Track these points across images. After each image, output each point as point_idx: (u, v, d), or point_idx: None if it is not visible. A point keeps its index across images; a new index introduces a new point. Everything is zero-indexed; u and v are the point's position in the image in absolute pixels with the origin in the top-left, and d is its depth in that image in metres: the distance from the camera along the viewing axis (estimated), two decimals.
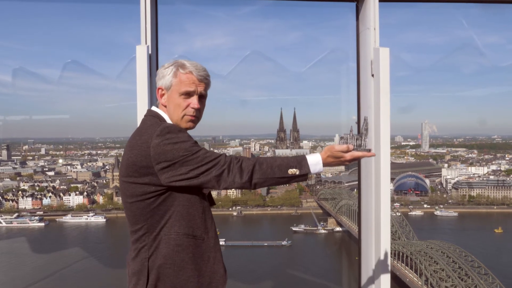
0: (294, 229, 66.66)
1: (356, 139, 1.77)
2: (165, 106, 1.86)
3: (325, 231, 66.83)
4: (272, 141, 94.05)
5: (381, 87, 2.86)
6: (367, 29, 3.00)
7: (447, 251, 44.48)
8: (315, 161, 1.73)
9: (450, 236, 61.03)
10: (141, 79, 2.73)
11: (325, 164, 1.75)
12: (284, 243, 60.49)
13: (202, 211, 1.80)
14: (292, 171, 1.69)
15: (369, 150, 1.78)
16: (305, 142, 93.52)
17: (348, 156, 1.74)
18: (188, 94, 1.82)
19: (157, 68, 2.85)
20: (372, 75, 2.95)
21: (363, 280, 3.19)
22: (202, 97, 1.87)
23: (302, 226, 67.73)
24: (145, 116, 1.87)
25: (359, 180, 3.24)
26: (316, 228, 67.78)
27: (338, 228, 66.75)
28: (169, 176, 1.67)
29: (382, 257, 2.96)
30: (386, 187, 2.94)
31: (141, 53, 2.74)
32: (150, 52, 2.77)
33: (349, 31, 3.24)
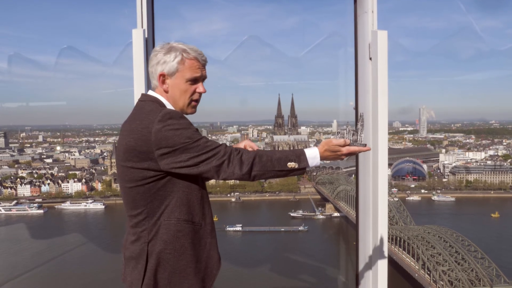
0: (292, 214, 67.03)
1: (352, 134, 1.81)
2: (166, 92, 1.83)
3: (323, 217, 67.24)
4: (270, 127, 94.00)
5: (379, 70, 2.84)
6: (365, 12, 2.97)
7: (444, 235, 44.84)
8: (313, 155, 1.76)
9: (447, 221, 61.50)
10: (138, 63, 2.70)
11: (322, 158, 1.78)
12: (301, 228, 61.10)
13: (201, 198, 1.81)
14: (291, 164, 1.72)
15: (365, 145, 1.82)
16: (303, 128, 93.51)
17: (344, 150, 1.78)
18: (195, 80, 1.83)
19: None
20: (370, 58, 2.92)
21: (361, 264, 3.21)
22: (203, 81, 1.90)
23: (300, 212, 68.09)
24: (141, 100, 1.84)
25: (356, 165, 3.23)
26: (314, 213, 68.17)
27: (336, 214, 67.15)
28: (169, 163, 1.67)
29: (379, 242, 2.97)
30: (384, 172, 2.94)
31: (138, 36, 2.70)
32: (146, 36, 2.74)
33: (347, 16, 3.21)
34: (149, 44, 2.79)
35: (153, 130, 1.65)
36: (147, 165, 1.68)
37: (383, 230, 2.97)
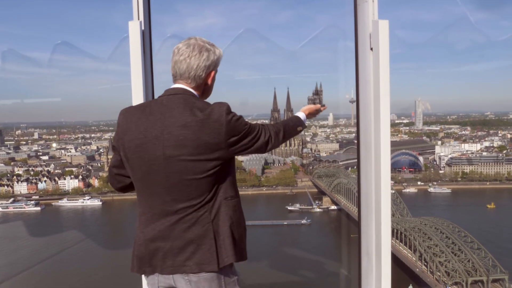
0: (289, 208, 67.13)
1: (318, 99, 2.57)
2: (209, 86, 2.13)
3: (320, 210, 67.38)
4: (266, 121, 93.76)
5: (381, 60, 2.80)
6: (365, 1, 2.93)
7: (441, 227, 45.13)
8: (303, 118, 2.40)
9: (444, 212, 61.80)
10: (135, 56, 2.65)
11: (307, 118, 2.46)
12: (303, 221, 61.34)
13: (235, 176, 2.12)
14: (299, 128, 2.32)
15: (323, 105, 2.58)
16: None
17: (318, 112, 2.55)
18: None
19: (150, 45, 2.77)
20: (371, 49, 2.89)
21: (363, 258, 3.19)
22: None
23: (298, 205, 68.20)
24: (178, 94, 2.01)
25: (358, 158, 3.20)
26: (311, 207, 68.29)
27: (333, 207, 67.30)
28: (236, 148, 1.97)
29: (382, 235, 2.95)
30: (386, 164, 2.92)
31: (134, 29, 2.65)
32: (143, 28, 2.69)
33: (345, 7, 3.18)
34: (146, 36, 2.74)
35: (224, 122, 1.91)
36: (218, 155, 1.93)
37: (386, 223, 2.95)
